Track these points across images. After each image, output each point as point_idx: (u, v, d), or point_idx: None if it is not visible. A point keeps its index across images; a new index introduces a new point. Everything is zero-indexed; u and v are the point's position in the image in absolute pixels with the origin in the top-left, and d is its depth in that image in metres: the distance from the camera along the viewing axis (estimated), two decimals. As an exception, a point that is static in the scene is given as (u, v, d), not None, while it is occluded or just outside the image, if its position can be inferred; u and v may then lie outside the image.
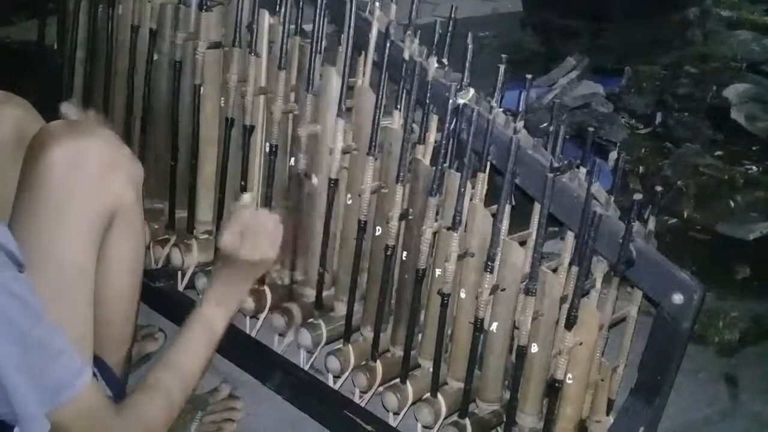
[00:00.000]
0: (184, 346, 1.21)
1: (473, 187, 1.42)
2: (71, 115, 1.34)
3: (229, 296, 1.25)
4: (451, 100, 1.38)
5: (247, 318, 1.72)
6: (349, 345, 1.58)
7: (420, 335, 1.55)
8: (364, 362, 1.56)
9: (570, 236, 1.41)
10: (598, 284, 1.40)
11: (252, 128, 1.68)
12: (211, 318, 1.22)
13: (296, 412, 1.61)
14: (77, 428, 1.00)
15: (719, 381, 1.84)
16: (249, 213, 1.21)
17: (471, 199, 1.42)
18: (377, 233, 1.54)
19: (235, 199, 1.69)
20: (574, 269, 1.31)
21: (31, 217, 1.10)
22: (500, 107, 1.43)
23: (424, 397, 1.50)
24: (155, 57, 1.81)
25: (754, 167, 2.58)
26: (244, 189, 1.69)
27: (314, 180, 1.61)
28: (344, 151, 1.55)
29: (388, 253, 1.48)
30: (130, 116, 1.87)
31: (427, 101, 1.44)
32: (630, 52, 3.27)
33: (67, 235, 1.11)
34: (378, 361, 1.55)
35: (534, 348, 1.39)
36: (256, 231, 1.19)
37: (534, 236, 1.37)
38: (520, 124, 1.36)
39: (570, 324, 1.32)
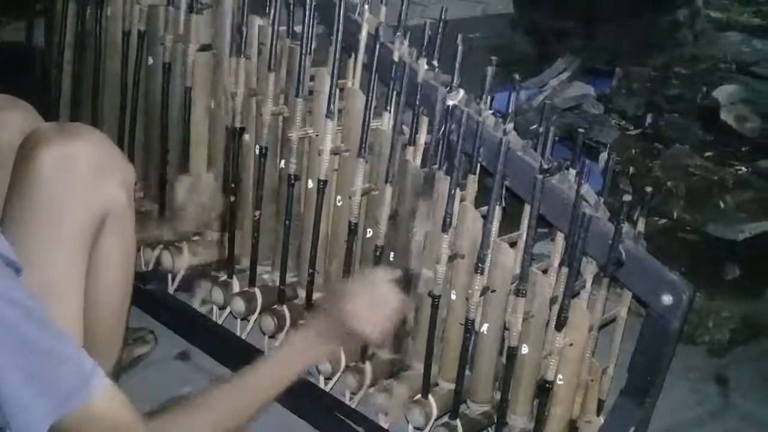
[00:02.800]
0: (248, 386, 1.14)
1: (463, 189, 1.42)
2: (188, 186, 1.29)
3: (314, 353, 1.20)
4: (440, 102, 1.38)
5: (238, 320, 1.72)
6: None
7: (411, 337, 1.55)
8: (353, 363, 1.56)
9: (560, 237, 1.41)
10: (588, 285, 1.40)
11: (242, 130, 1.68)
12: (286, 368, 1.17)
13: (287, 414, 1.61)
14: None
15: (709, 381, 1.84)
16: (383, 286, 1.15)
17: (461, 201, 1.42)
18: (368, 235, 1.54)
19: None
20: (564, 270, 1.32)
21: (21, 220, 1.09)
22: (490, 109, 1.43)
23: (416, 398, 1.50)
24: (146, 59, 1.81)
25: (743, 168, 2.59)
26: (234, 192, 1.69)
27: (310, 184, 1.61)
28: (334, 153, 1.55)
29: (378, 254, 1.48)
30: (119, 118, 1.87)
31: (417, 103, 1.44)
32: (620, 53, 3.28)
33: (58, 238, 1.11)
34: (367, 362, 1.55)
35: (524, 349, 1.39)
36: (380, 306, 1.15)
37: (524, 238, 1.37)
38: (509, 125, 1.36)
39: (560, 325, 1.32)
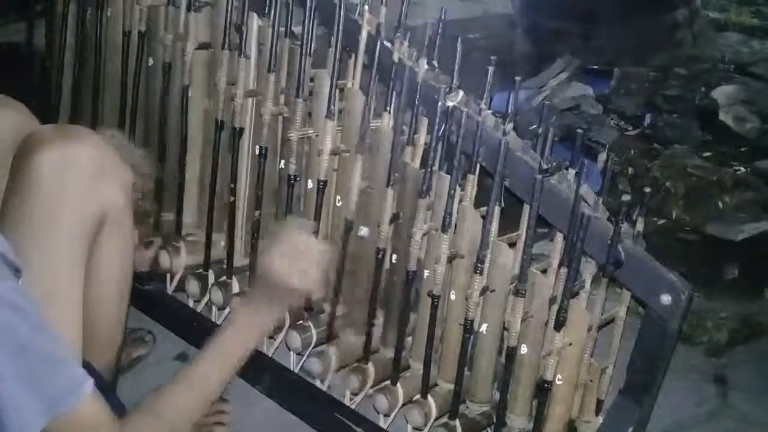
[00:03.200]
0: (204, 368, 1.17)
1: (463, 189, 1.42)
2: (114, 142, 1.31)
3: (258, 320, 1.19)
4: (440, 103, 1.38)
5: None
6: (332, 347, 1.58)
7: (410, 337, 1.55)
8: (356, 364, 1.56)
9: (559, 237, 1.41)
10: (587, 285, 1.40)
11: (241, 131, 1.68)
12: (235, 342, 1.18)
13: (286, 415, 1.61)
14: None
15: (708, 381, 1.85)
16: (295, 236, 1.16)
17: (461, 201, 1.42)
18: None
19: (223, 202, 1.70)
20: (563, 270, 1.32)
21: (19, 222, 1.09)
22: (489, 109, 1.43)
23: (415, 398, 1.50)
24: (146, 60, 1.81)
25: (742, 168, 2.60)
26: (233, 192, 1.69)
27: (309, 184, 1.61)
28: (333, 153, 1.55)
29: (379, 255, 1.49)
30: (119, 118, 1.87)
31: (417, 103, 1.44)
32: (619, 53, 3.29)
33: (57, 240, 1.11)
34: (370, 362, 1.55)
35: (523, 349, 1.39)
36: (299, 256, 1.14)
37: (523, 238, 1.38)
38: (509, 126, 1.36)
39: (559, 325, 1.33)
